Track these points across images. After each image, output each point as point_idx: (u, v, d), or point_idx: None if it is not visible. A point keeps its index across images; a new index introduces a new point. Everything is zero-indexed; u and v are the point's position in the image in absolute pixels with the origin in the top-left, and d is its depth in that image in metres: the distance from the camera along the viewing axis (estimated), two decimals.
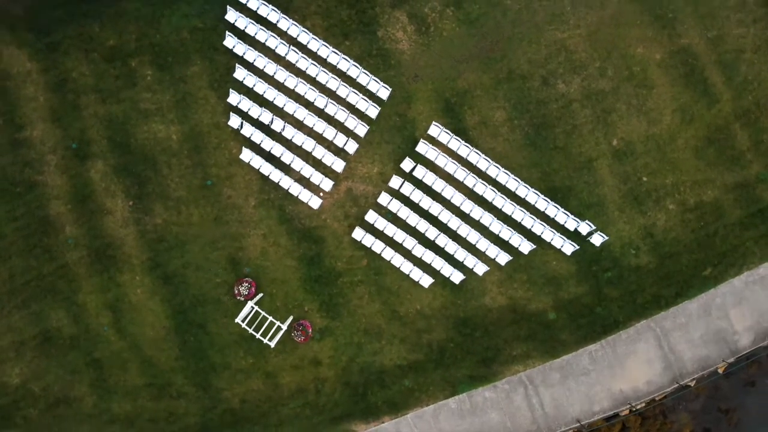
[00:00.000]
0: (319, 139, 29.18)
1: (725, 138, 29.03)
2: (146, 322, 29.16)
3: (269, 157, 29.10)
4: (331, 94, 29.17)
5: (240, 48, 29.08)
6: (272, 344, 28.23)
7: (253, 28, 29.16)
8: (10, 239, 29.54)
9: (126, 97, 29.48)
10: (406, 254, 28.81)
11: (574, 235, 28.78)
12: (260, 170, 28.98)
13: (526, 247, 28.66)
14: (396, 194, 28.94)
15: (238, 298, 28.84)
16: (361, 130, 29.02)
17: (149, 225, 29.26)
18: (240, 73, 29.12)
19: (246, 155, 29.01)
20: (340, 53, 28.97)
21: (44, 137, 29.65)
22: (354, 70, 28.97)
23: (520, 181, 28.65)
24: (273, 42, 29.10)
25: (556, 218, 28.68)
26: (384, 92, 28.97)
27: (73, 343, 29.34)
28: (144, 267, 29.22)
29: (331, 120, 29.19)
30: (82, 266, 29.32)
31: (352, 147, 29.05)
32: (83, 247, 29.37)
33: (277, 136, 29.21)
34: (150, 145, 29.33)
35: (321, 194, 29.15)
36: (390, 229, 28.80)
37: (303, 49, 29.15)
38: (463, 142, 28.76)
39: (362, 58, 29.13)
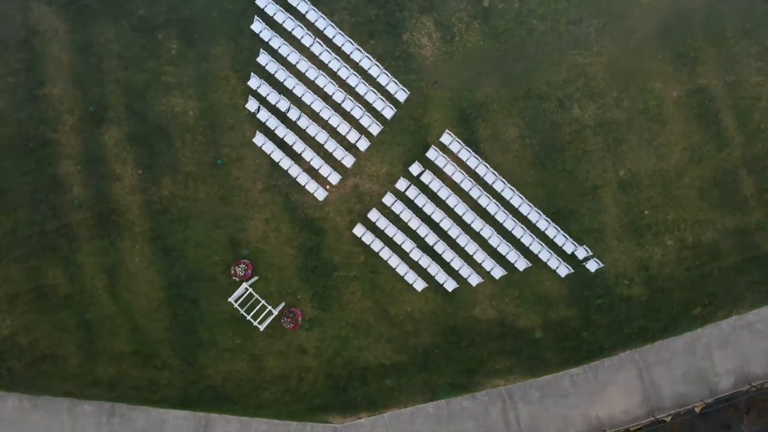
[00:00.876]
0: (333, 132, 29.53)
1: (731, 182, 29.28)
2: (140, 291, 29.47)
3: (281, 144, 29.46)
4: (349, 90, 29.51)
5: (266, 34, 29.44)
6: (261, 327, 28.55)
7: (281, 16, 29.53)
8: (17, 192, 29.89)
9: (148, 68, 29.87)
10: (404, 256, 29.13)
11: (570, 259, 29.08)
12: (271, 156, 29.33)
13: (521, 264, 28.97)
14: (401, 196, 29.26)
15: (234, 278, 29.16)
16: (375, 129, 29.36)
17: (155, 196, 29.61)
18: (263, 59, 29.47)
19: (259, 139, 29.36)
20: (363, 51, 29.32)
21: (63, 97, 30.03)
22: (375, 70, 29.32)
23: (524, 198, 28.97)
24: (299, 32, 29.47)
25: (555, 239, 28.99)
26: (402, 95, 29.32)
27: (67, 302, 29.65)
28: (145, 236, 29.56)
29: (346, 115, 29.54)
30: (85, 228, 29.67)
31: (363, 144, 29.40)
32: (88, 209, 29.72)
33: (291, 125, 29.56)
34: (166, 118, 29.70)
35: (327, 187, 29.49)
36: (390, 230, 29.13)
37: (328, 42, 29.51)
38: (473, 153, 29.09)
39: (384, 59, 29.47)
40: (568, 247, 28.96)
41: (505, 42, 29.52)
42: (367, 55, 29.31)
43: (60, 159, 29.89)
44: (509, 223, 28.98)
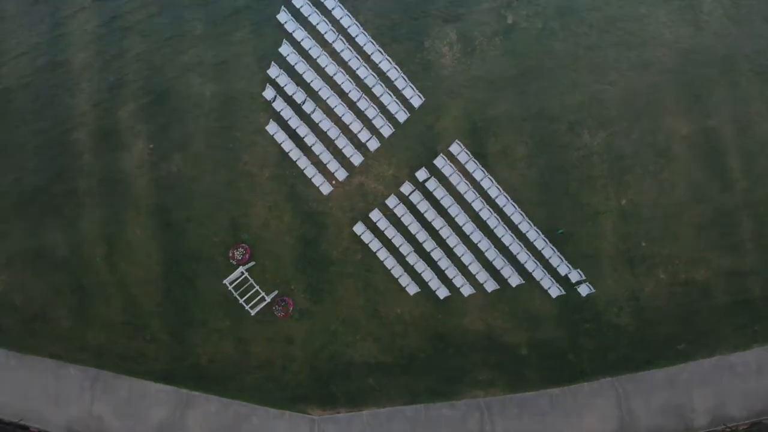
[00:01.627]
0: (345, 129, 29.88)
1: (730, 224, 29.50)
2: (138, 263, 29.77)
3: (293, 135, 29.80)
4: (366, 90, 29.86)
5: (291, 25, 29.82)
6: (252, 312, 28.89)
7: (307, 9, 29.92)
8: (28, 153, 30.24)
9: (171, 46, 30.24)
10: (400, 259, 29.46)
11: (563, 280, 29.37)
12: (282, 145, 29.68)
13: (515, 280, 29.29)
14: (404, 200, 29.59)
15: (231, 261, 29.48)
16: (387, 130, 29.71)
17: (164, 172, 29.94)
18: (285, 49, 29.84)
19: (272, 128, 29.71)
20: (384, 53, 29.68)
21: (84, 65, 30.42)
22: (393, 73, 29.67)
23: (524, 216, 29.30)
24: (324, 27, 29.84)
25: (550, 260, 29.30)
26: (417, 100, 29.66)
27: (64, 265, 29.94)
28: (149, 210, 29.89)
29: (360, 114, 29.89)
30: (91, 195, 30.01)
31: (373, 144, 29.74)
32: (95, 178, 30.05)
33: (305, 117, 29.91)
34: (183, 97, 30.04)
35: (333, 182, 29.82)
36: (390, 232, 29.46)
37: (350, 40, 29.86)
38: (479, 165, 29.43)
39: (404, 63, 29.81)
40: (563, 269, 29.28)
41: (524, 60, 29.85)
42: (387, 57, 29.68)
43: (74, 126, 30.25)
44: (507, 239, 29.31)
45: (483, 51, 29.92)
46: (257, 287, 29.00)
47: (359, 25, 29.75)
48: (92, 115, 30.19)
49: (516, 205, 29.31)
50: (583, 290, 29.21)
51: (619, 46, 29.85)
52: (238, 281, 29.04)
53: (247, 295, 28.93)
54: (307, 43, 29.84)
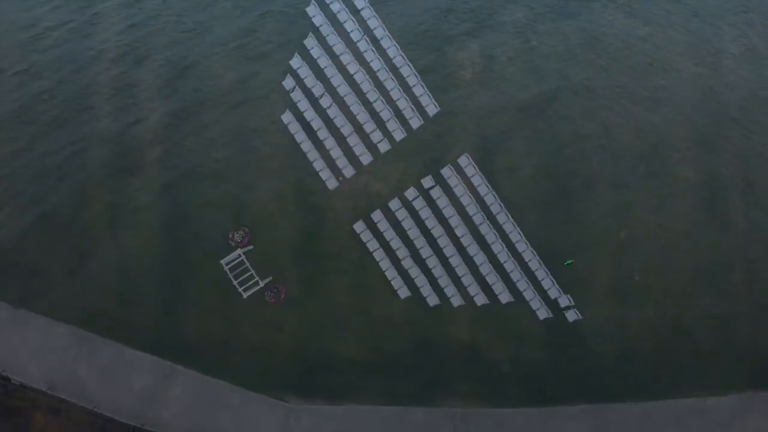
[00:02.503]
0: (358, 128, 30.27)
1: (725, 268, 29.74)
2: (140, 235, 30.06)
3: (307, 127, 30.18)
4: (384, 93, 30.25)
5: (319, 19, 30.26)
6: (245, 295, 29.23)
7: (337, 6, 30.36)
8: (44, 108, 30.62)
9: (198, 23, 30.73)
10: (395, 262, 29.79)
11: (553, 303, 29.65)
12: (294, 136, 30.07)
13: (505, 297, 29.59)
14: (407, 204, 29.96)
15: (231, 243, 29.83)
16: (399, 134, 30.10)
17: (176, 148, 30.31)
18: (310, 42, 30.27)
19: (287, 117, 30.11)
20: (406, 58, 30.07)
21: (111, 33, 30.94)
22: (413, 79, 30.08)
23: (522, 236, 29.62)
24: (350, 25, 30.28)
25: (542, 282, 29.61)
26: (432, 109, 30.05)
27: (67, 229, 30.22)
28: (157, 184, 30.30)
29: (374, 115, 30.27)
30: (102, 163, 30.42)
31: (384, 147, 30.13)
32: (109, 145, 30.43)
33: (321, 111, 30.29)
34: (203, 77, 30.50)
35: (340, 178, 30.20)
36: (389, 234, 29.81)
37: (375, 42, 30.27)
38: (485, 181, 29.78)
39: (425, 71, 30.20)
40: (553, 292, 29.56)
41: (542, 83, 30.20)
42: (409, 63, 30.09)
43: (94, 93, 30.86)
44: (503, 256, 29.64)
45: (503, 69, 30.30)
46: (252, 271, 29.34)
47: (385, 28, 30.15)
48: (110, 82, 30.56)
49: (515, 224, 29.63)
50: (571, 316, 29.47)
51: (636, 80, 30.17)
52: (234, 263, 29.38)
53: (242, 278, 29.26)
54: (332, 38, 30.27)
